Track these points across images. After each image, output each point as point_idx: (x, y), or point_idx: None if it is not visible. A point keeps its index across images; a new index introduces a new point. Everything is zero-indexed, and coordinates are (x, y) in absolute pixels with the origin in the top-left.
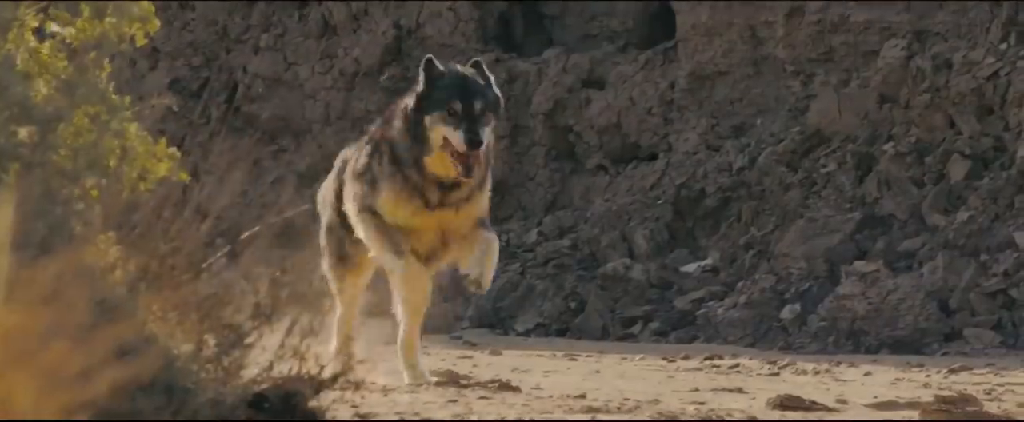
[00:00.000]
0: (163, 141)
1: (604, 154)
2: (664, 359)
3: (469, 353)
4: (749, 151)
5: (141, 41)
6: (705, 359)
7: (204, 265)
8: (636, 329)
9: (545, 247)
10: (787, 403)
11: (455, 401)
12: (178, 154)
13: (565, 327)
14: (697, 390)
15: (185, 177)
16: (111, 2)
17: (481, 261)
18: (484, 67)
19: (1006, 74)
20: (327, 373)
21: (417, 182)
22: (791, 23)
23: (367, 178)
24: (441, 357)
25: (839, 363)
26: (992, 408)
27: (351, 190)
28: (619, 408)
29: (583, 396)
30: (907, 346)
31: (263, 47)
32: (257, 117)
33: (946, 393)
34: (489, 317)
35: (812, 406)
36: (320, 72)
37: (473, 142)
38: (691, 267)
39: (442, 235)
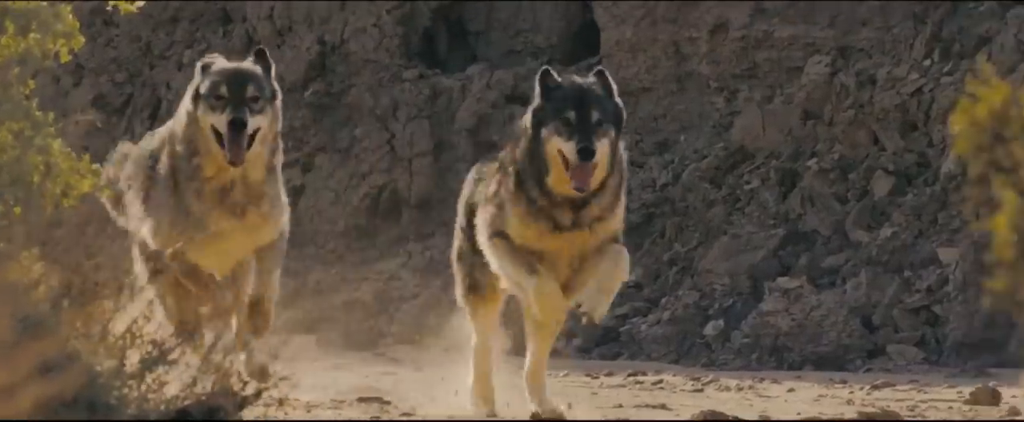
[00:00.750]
0: (87, 157)
1: None
2: (587, 375)
3: (392, 369)
4: (673, 167)
5: (65, 57)
6: (628, 375)
7: (127, 281)
8: (559, 345)
9: None
10: (710, 419)
11: (378, 418)
12: (101, 170)
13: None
14: (620, 406)
15: (108, 193)
16: (35, 19)
17: (598, 292)
18: (608, 76)
19: (930, 90)
20: (250, 389)
21: (543, 203)
22: (715, 39)
23: (495, 202)
24: (363, 373)
25: (763, 379)
26: None
27: (481, 216)
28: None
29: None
30: (830, 362)
31: (187, 63)
32: None
33: (869, 409)
34: (413, 333)
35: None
36: None
37: (585, 152)
38: None
39: (578, 257)
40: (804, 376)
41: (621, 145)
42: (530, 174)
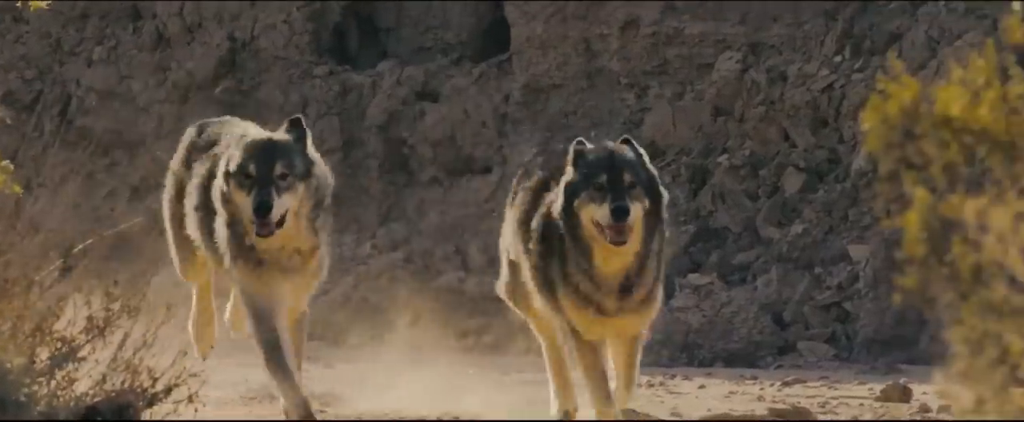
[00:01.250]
0: None
1: (438, 167)
2: (499, 373)
3: (305, 367)
4: None
5: None
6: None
7: (37, 278)
8: (470, 342)
9: (379, 260)
10: (621, 416)
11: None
12: (11, 167)
13: (400, 340)
14: (532, 404)
15: (18, 190)
16: None
17: (625, 379)
18: (635, 143)
19: (840, 87)
20: (160, 386)
21: (588, 289)
22: (626, 36)
23: (540, 267)
24: None
25: (674, 376)
26: (826, 420)
27: (526, 262)
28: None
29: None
30: (741, 359)
31: (96, 60)
32: (91, 130)
33: (780, 406)
34: (322, 330)
35: (646, 419)
36: (154, 85)
37: (619, 211)
38: None
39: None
40: (715, 373)
41: (664, 224)
42: (574, 254)
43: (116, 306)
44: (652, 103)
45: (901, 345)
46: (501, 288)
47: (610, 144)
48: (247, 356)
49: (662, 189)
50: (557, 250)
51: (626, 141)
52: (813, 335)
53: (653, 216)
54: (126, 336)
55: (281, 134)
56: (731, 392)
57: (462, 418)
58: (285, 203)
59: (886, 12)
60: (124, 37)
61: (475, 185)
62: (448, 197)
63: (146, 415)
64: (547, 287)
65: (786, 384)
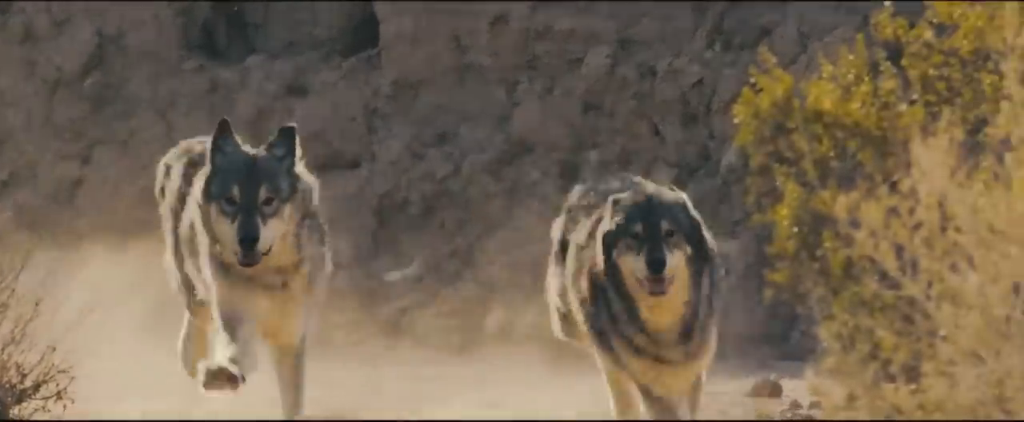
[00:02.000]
0: None
1: (308, 161)
2: (370, 368)
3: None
4: (453, 159)
5: None
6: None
7: None
8: (340, 336)
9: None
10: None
11: (162, 412)
12: None
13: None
14: (404, 400)
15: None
16: None
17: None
18: (685, 197)
19: (711, 81)
20: (29, 382)
21: (641, 344)
22: (495, 31)
23: (599, 328)
24: (149, 364)
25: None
26: (696, 417)
27: (576, 298)
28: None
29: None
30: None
31: None
32: None
33: None
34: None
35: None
36: (21, 79)
37: (655, 263)
38: (395, 275)
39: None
40: (582, 369)
41: (717, 272)
42: (621, 310)
43: None
44: (522, 98)
45: (772, 341)
46: (557, 330)
47: (650, 188)
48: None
49: (708, 234)
50: (606, 302)
51: (671, 188)
52: None
53: (700, 260)
54: None
55: (262, 150)
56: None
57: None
58: (272, 231)
59: (756, 7)
60: None
61: (344, 180)
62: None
63: (15, 411)
64: (608, 347)
65: None
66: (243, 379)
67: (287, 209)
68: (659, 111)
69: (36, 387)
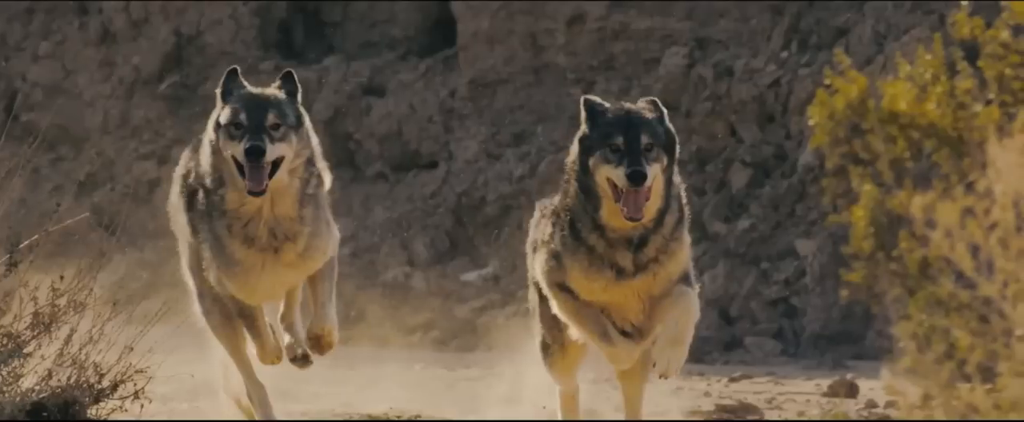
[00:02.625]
0: None
1: (384, 162)
2: (444, 369)
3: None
4: (529, 159)
5: None
6: (486, 368)
7: None
8: (416, 339)
9: None
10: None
11: (235, 412)
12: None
13: (346, 336)
14: (477, 400)
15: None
16: None
17: (668, 344)
18: (659, 103)
19: (787, 82)
20: (106, 382)
21: (600, 248)
22: (572, 31)
23: (551, 249)
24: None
25: None
26: (773, 416)
27: (538, 263)
28: (398, 418)
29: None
30: (688, 354)
31: (42, 55)
32: (36, 125)
33: (727, 402)
34: None
35: (590, 414)
36: (99, 80)
37: (635, 176)
38: (471, 275)
39: (646, 302)
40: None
41: (676, 176)
42: (583, 214)
43: (62, 301)
44: (599, 98)
45: (848, 341)
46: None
47: (627, 104)
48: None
49: (674, 133)
50: (567, 221)
51: (652, 101)
52: (760, 330)
53: (670, 169)
54: (72, 332)
55: (272, 89)
56: (678, 388)
57: (422, 417)
58: (278, 150)
59: (833, 7)
60: (70, 32)
61: (421, 180)
62: (394, 192)
63: (92, 411)
64: (558, 266)
65: (733, 380)
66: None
67: (294, 138)
68: (735, 111)
69: (114, 387)
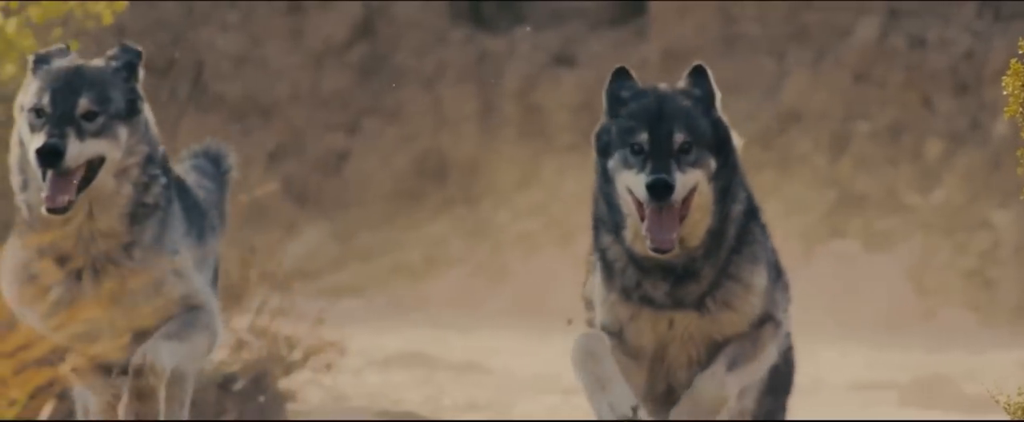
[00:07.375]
0: None
1: (576, 132)
2: None
3: (439, 333)
4: None
5: (108, 19)
6: None
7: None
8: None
9: (516, 227)
10: None
11: (426, 383)
12: None
13: (539, 308)
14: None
15: None
16: None
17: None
18: (708, 76)
19: (981, 51)
20: (297, 354)
21: (625, 272)
22: (764, 1)
23: (589, 286)
24: (409, 337)
25: (813, 342)
26: (970, 390)
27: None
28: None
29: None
30: (883, 326)
31: (230, 25)
32: (224, 96)
33: (923, 374)
34: (459, 296)
35: None
36: (288, 50)
37: (657, 187)
38: None
39: (686, 356)
40: (856, 340)
41: (740, 184)
42: (605, 228)
43: (253, 273)
44: (791, 68)
45: None
46: None
47: (662, 86)
48: (382, 322)
49: (725, 123)
50: (592, 234)
51: (696, 71)
52: (955, 302)
53: (722, 173)
54: (263, 303)
55: (98, 61)
56: (874, 360)
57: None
58: (91, 149)
59: None
60: (257, 2)
61: None
62: (587, 162)
63: (284, 383)
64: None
65: (929, 352)
66: None
67: (123, 131)
68: (929, 81)
69: (305, 359)
